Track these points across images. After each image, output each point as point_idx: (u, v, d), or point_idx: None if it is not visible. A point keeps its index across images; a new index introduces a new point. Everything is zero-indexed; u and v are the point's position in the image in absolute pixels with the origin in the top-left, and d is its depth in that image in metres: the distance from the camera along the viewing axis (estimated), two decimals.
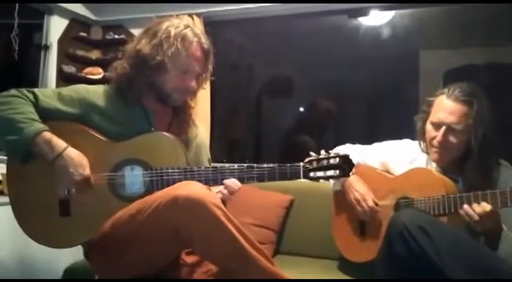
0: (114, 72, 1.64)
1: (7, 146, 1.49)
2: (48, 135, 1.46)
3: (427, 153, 1.79)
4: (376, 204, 1.82)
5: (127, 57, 1.61)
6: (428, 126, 1.73)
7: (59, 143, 1.46)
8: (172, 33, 1.55)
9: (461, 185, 1.70)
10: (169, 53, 1.53)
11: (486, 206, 1.50)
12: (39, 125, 1.46)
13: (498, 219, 1.55)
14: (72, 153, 1.47)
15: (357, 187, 1.86)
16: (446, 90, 1.70)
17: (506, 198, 1.49)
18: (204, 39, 1.62)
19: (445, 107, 1.67)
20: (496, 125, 1.68)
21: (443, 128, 1.67)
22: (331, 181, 1.99)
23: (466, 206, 1.54)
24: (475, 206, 1.52)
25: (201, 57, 1.61)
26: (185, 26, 1.60)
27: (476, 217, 1.50)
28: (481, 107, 1.65)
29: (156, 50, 1.54)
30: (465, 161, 1.69)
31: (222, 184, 1.51)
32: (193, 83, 1.61)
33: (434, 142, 1.69)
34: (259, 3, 2.83)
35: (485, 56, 2.74)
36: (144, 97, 1.64)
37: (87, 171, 1.48)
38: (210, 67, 1.67)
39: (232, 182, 1.51)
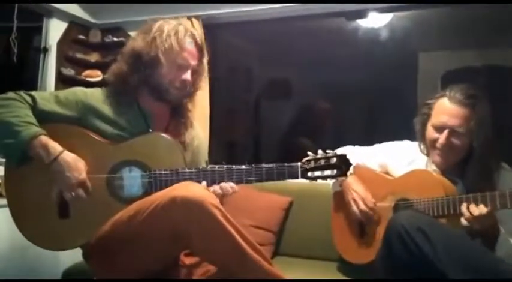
0: (111, 74, 1.66)
1: (4, 149, 1.50)
2: (44, 139, 1.46)
3: (427, 155, 1.79)
4: (374, 205, 1.81)
5: (123, 56, 1.64)
6: (430, 129, 1.73)
7: (55, 147, 1.46)
8: (166, 29, 1.60)
9: (462, 187, 1.69)
10: (163, 48, 1.57)
11: (482, 209, 1.50)
12: (36, 129, 1.46)
13: (495, 222, 1.55)
14: (68, 157, 1.47)
15: (355, 188, 1.85)
16: (447, 93, 1.70)
17: (506, 200, 1.48)
18: (197, 36, 1.66)
19: (447, 110, 1.67)
20: (496, 126, 1.68)
21: (446, 131, 1.67)
22: (331, 182, 1.99)
23: (463, 208, 1.54)
24: (472, 207, 1.52)
25: (194, 52, 1.64)
26: (178, 23, 1.64)
27: (471, 218, 1.50)
28: (482, 109, 1.66)
29: (150, 46, 1.58)
30: (466, 163, 1.70)
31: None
32: (189, 77, 1.62)
33: (437, 145, 1.69)
34: (258, 5, 2.83)
35: (484, 58, 2.74)
36: (141, 97, 1.65)
37: (83, 175, 1.48)
38: (205, 62, 1.70)
39: (230, 186, 1.51)
